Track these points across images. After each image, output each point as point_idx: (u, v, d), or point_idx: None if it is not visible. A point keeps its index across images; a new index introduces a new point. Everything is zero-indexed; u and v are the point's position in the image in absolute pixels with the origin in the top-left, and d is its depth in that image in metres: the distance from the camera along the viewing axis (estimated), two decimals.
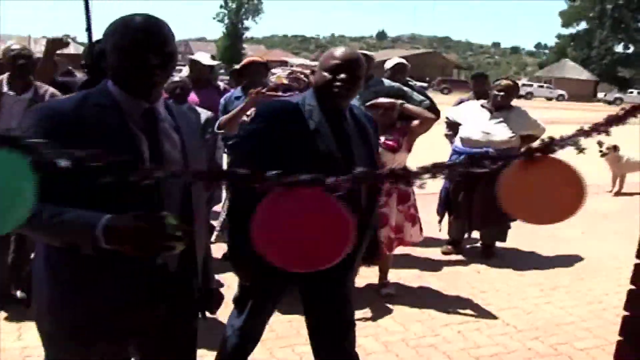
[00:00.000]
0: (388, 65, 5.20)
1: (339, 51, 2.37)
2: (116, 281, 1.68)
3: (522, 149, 1.53)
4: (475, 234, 5.71)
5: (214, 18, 73.59)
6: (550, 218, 1.68)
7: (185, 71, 5.87)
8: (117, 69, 1.70)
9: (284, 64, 20.16)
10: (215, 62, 5.87)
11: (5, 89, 3.92)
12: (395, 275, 4.77)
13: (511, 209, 1.60)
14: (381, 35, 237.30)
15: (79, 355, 1.76)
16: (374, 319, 3.99)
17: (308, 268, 1.41)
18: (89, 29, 3.16)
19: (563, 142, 1.52)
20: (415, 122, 4.13)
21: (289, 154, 2.20)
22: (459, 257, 5.55)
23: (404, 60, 5.33)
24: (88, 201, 1.54)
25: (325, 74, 2.33)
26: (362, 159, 2.33)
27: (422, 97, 4.44)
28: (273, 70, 4.84)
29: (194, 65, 5.50)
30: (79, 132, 1.58)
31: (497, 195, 1.52)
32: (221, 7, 73.22)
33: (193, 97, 4.86)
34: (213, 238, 5.00)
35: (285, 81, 4.25)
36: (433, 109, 4.40)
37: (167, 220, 1.49)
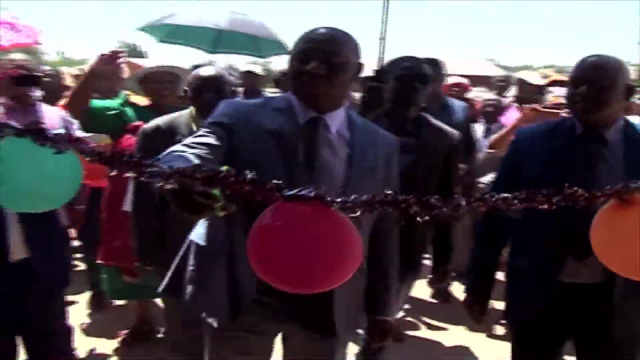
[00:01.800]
0: None
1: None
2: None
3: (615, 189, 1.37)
4: None
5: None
6: None
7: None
8: (290, 76, 1.90)
9: None
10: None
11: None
12: None
13: (605, 259, 1.57)
14: None
15: None
16: None
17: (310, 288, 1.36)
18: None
19: None
20: None
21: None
22: None
23: None
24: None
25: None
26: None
27: None
28: (550, 89, 4.77)
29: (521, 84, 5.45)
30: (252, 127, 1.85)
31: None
32: None
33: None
34: None
35: (564, 100, 4.08)
36: None
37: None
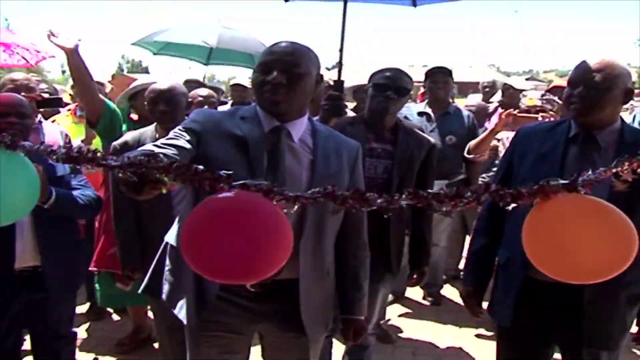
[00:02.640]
0: None
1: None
2: None
3: (535, 187, 1.35)
4: None
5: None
6: (586, 275, 1.51)
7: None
8: (254, 87, 2.02)
9: None
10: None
11: None
12: None
13: (540, 265, 1.46)
14: None
15: None
16: None
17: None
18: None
19: (592, 178, 1.31)
20: None
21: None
22: None
23: None
24: None
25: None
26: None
27: None
28: (525, 92, 4.81)
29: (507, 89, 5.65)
30: (220, 133, 1.97)
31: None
32: None
33: None
34: None
35: (538, 103, 4.15)
36: None
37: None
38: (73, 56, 3.35)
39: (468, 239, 4.63)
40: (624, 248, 1.41)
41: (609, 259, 1.44)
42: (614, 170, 1.44)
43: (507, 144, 3.89)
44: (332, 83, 3.65)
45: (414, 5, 3.93)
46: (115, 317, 4.59)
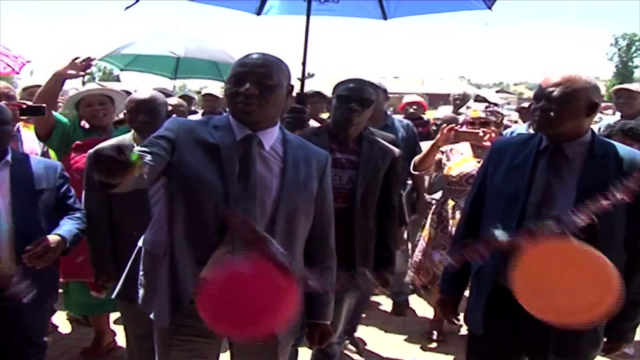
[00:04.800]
0: None
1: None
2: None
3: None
4: None
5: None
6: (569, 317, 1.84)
7: None
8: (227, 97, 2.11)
9: None
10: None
11: None
12: None
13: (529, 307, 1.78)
14: None
15: None
16: None
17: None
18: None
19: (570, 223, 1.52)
20: None
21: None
22: None
23: None
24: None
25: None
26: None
27: None
28: (469, 104, 4.74)
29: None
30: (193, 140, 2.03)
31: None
32: (611, 45, 71.71)
33: None
34: None
35: (482, 114, 4.07)
36: None
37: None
38: (62, 79, 3.48)
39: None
40: (604, 294, 1.76)
41: (590, 304, 1.78)
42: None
43: (451, 156, 4.01)
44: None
45: (385, 18, 3.97)
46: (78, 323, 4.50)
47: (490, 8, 3.39)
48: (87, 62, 3.58)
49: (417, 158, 4.05)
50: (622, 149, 2.28)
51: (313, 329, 2.32)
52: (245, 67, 2.03)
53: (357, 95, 2.94)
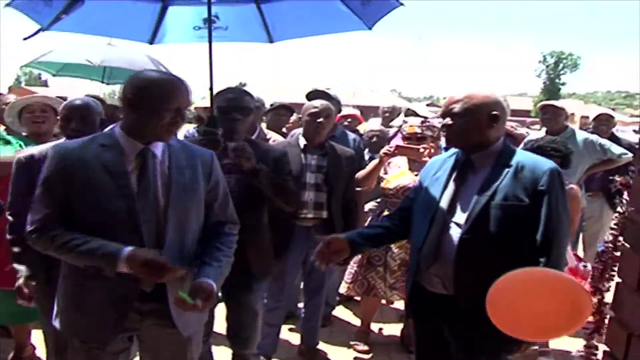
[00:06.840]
0: None
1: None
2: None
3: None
4: None
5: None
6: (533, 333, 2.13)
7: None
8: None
9: None
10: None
11: None
12: None
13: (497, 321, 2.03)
14: None
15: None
16: None
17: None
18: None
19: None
20: None
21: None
22: None
23: None
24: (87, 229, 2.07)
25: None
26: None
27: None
28: (405, 119, 4.70)
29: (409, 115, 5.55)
30: (82, 167, 2.10)
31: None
32: (539, 62, 74.33)
33: None
34: None
35: (418, 130, 4.10)
36: None
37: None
38: None
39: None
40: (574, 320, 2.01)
41: (558, 327, 2.06)
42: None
43: (389, 169, 4.14)
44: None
45: (271, 41, 3.86)
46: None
47: (370, 28, 3.55)
48: None
49: (360, 174, 4.14)
50: (529, 158, 2.43)
51: (197, 285, 2.17)
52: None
53: (237, 105, 3.09)
